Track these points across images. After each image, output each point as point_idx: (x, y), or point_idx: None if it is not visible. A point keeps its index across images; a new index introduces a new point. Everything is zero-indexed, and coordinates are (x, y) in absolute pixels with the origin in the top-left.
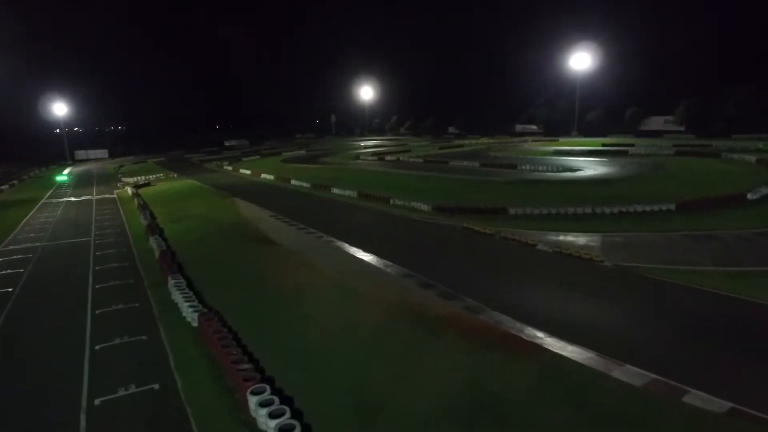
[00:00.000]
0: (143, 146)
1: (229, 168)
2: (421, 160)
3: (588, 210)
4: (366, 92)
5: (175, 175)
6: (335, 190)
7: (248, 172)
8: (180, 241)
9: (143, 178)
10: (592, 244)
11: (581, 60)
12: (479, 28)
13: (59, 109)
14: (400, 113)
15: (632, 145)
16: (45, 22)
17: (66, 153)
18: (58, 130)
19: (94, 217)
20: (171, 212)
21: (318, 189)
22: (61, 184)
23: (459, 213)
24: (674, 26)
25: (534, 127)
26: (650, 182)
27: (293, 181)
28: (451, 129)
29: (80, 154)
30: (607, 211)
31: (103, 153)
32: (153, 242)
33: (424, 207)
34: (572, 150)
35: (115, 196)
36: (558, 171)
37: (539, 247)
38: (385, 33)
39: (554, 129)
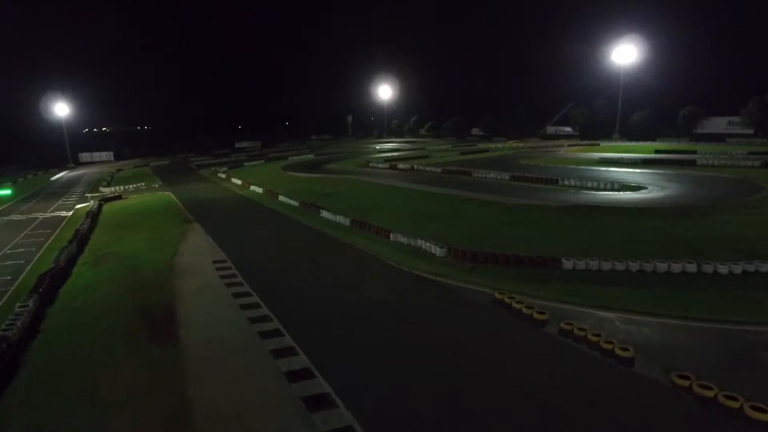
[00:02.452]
0: (151, 148)
1: (223, 176)
2: (438, 170)
3: (690, 266)
4: (384, 91)
5: (157, 186)
6: (325, 214)
7: (238, 182)
8: (58, 315)
9: (121, 188)
10: (739, 359)
11: (625, 53)
12: (507, 21)
13: (61, 109)
14: (420, 114)
15: (694, 152)
16: (50, 17)
17: (68, 155)
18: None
19: (6, 248)
20: (107, 244)
21: (305, 210)
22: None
23: (486, 262)
24: (739, 10)
25: (568, 129)
26: (760, 212)
27: (281, 197)
28: (474, 131)
29: (84, 156)
30: (723, 269)
31: (108, 155)
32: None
33: (436, 250)
34: (622, 158)
35: (70, 213)
36: (614, 189)
37: (639, 366)
38: (404, 29)
39: (592, 132)
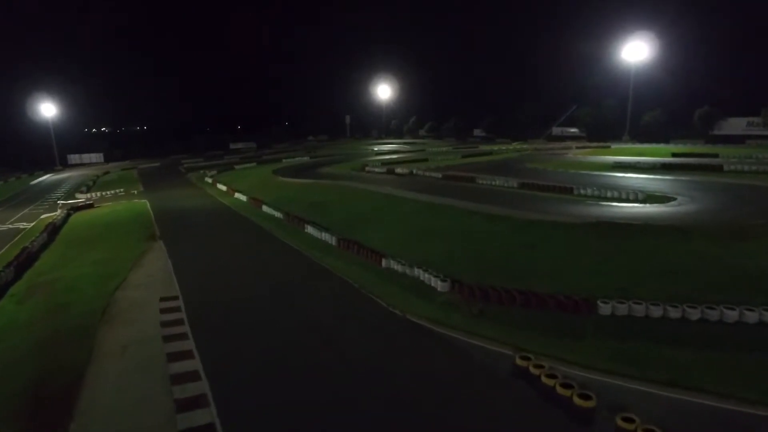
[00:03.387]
0: (144, 149)
1: (209, 180)
2: (439, 176)
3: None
4: (383, 91)
5: (136, 192)
6: (310, 230)
7: (223, 188)
8: None
9: (97, 195)
10: None
11: (636, 50)
12: (509, 16)
13: (47, 109)
14: (419, 114)
15: (715, 156)
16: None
17: (55, 157)
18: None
19: None
20: (52, 267)
21: (289, 224)
22: None
23: (500, 302)
24: (760, 2)
25: (575, 130)
26: None
27: (265, 207)
28: (476, 132)
29: (73, 158)
30: None
31: (98, 157)
32: None
33: (438, 284)
34: (638, 163)
35: (31, 225)
36: (639, 200)
37: None
38: (403, 26)
39: (600, 133)
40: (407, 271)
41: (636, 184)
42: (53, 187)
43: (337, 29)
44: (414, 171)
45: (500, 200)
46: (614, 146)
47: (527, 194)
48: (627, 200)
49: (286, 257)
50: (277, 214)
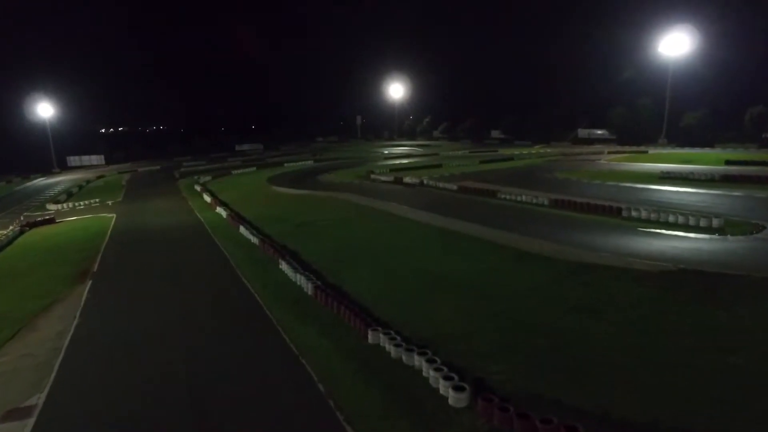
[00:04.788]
0: (145, 151)
1: (198, 188)
2: (453, 187)
3: None
4: (396, 90)
5: (111, 203)
6: (284, 267)
7: (208, 199)
8: None
9: (69, 206)
10: None
11: (676, 44)
12: (530, 6)
13: (44, 109)
14: (434, 114)
15: None
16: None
17: (53, 159)
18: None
19: None
20: None
21: (263, 251)
22: None
23: None
24: None
25: (603, 132)
26: None
27: (242, 229)
28: (494, 133)
29: (73, 160)
30: None
31: (99, 159)
32: None
33: (452, 396)
34: (691, 173)
35: None
36: (714, 229)
37: None
38: (416, 21)
39: (633, 135)
40: (405, 358)
41: (697, 202)
42: (36, 194)
43: (348, 26)
44: (425, 181)
45: (530, 224)
46: (651, 151)
47: (563, 216)
48: (696, 227)
49: (236, 324)
50: (254, 240)
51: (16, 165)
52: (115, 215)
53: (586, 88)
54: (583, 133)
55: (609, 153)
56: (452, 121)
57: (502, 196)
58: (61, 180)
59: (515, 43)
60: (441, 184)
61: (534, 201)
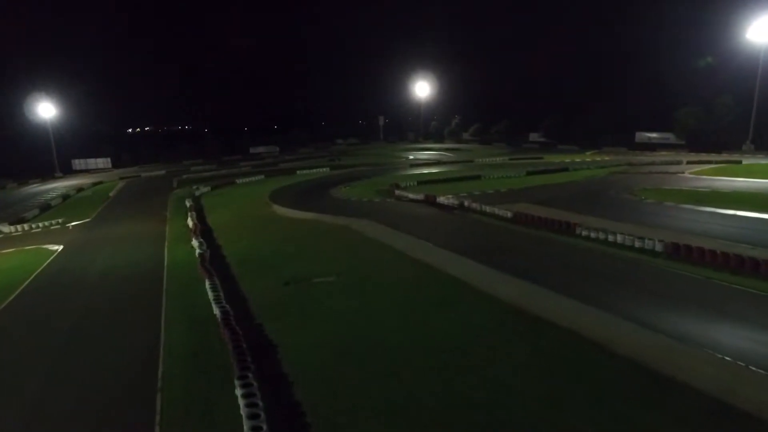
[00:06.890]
0: (153, 154)
1: (188, 204)
2: (507, 215)
3: None
4: (422, 88)
5: (72, 226)
6: (239, 395)
7: (190, 224)
8: None
9: (26, 227)
10: None
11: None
12: None
13: (46, 110)
14: (464, 114)
15: None
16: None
17: (54, 163)
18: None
19: None
20: None
21: (222, 338)
22: None
23: None
24: None
25: (669, 136)
26: None
27: (208, 285)
28: (533, 136)
29: (78, 164)
30: None
31: (105, 162)
32: None
33: None
34: None
35: None
36: None
37: None
38: (445, 13)
39: (708, 140)
40: None
41: None
42: (19, 202)
43: (372, 20)
44: (465, 203)
45: (641, 293)
46: (745, 161)
47: (692, 278)
48: None
49: None
50: (216, 311)
51: (21, 168)
52: (60, 248)
53: (649, 84)
54: (641, 137)
55: (688, 163)
56: (484, 122)
57: (584, 234)
58: (56, 186)
59: (559, 33)
60: (489, 209)
61: (637, 246)
